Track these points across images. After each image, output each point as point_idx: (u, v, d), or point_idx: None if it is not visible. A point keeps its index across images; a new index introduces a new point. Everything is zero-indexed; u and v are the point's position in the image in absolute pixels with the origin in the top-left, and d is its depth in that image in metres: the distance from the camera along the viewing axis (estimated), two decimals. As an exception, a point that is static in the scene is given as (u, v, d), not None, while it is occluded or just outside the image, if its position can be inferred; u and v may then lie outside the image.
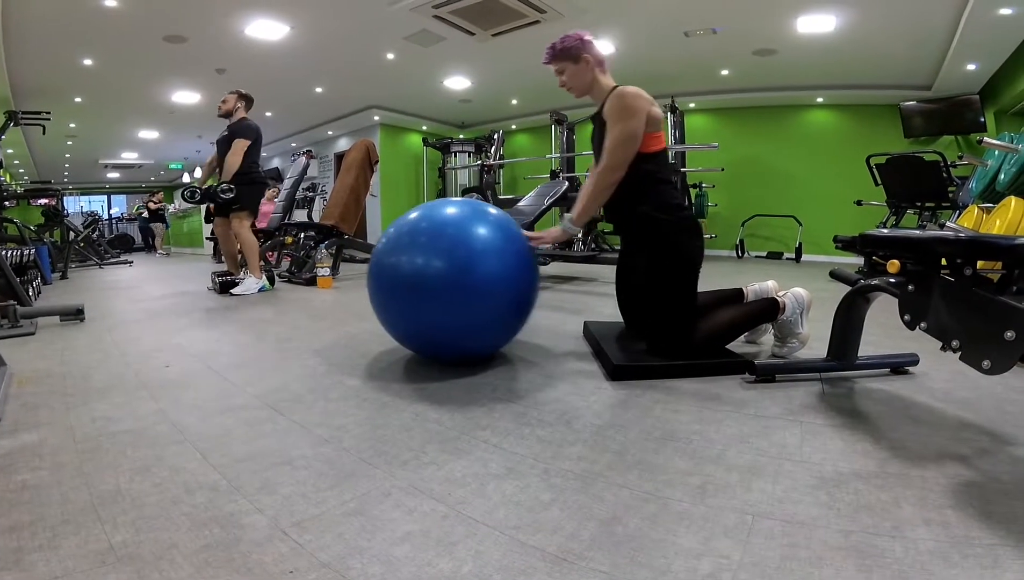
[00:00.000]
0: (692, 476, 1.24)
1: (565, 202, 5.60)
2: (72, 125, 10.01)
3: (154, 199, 13.32)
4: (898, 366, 2.00)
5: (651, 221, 2.11)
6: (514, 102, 9.77)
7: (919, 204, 5.31)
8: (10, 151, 10.92)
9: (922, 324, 1.48)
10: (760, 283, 2.40)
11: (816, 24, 5.73)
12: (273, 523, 1.06)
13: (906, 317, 1.53)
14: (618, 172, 2.10)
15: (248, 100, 4.60)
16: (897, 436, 1.45)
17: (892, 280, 1.61)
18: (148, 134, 11.38)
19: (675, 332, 2.07)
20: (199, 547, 0.99)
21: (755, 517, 1.06)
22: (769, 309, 2.21)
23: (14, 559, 0.95)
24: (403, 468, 1.30)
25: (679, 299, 2.08)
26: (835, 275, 2.43)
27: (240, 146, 4.37)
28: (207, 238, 10.31)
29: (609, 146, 2.08)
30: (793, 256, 7.69)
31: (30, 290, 4.17)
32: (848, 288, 1.87)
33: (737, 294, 2.39)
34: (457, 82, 8.41)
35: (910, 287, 1.53)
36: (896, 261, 1.57)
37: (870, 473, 1.24)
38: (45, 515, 1.09)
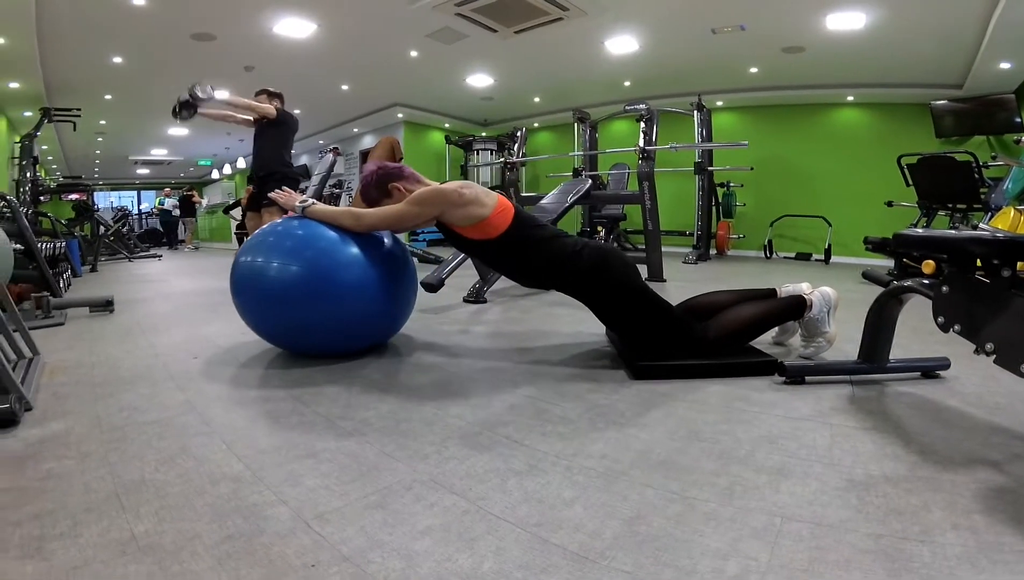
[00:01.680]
0: (719, 477, 1.22)
1: (588, 200, 5.57)
2: (102, 122, 10.21)
3: (192, 192, 13.70)
4: (929, 370, 1.95)
5: (562, 282, 2.15)
6: (536, 100, 9.75)
7: (951, 205, 5.19)
8: (44, 147, 11.19)
9: (955, 326, 1.44)
10: (794, 284, 2.35)
11: (845, 21, 5.63)
12: (296, 515, 1.07)
13: (940, 319, 1.49)
14: (360, 222, 2.15)
15: (280, 97, 4.62)
16: (927, 440, 1.41)
17: (926, 281, 1.57)
18: (177, 131, 11.57)
19: (669, 341, 2.05)
20: (221, 538, 0.99)
21: (784, 519, 1.04)
22: (795, 306, 2.17)
23: (35, 547, 0.96)
24: (424, 462, 1.30)
25: (646, 318, 2.07)
26: (867, 276, 2.38)
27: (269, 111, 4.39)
28: (234, 233, 10.47)
29: (385, 209, 2.16)
30: (822, 257, 7.55)
31: (61, 282, 4.27)
32: (880, 289, 1.83)
33: (770, 294, 2.35)
34: (480, 80, 8.42)
35: (944, 289, 1.48)
36: (931, 262, 1.53)
37: (900, 477, 1.21)
38: (68, 503, 1.11)
